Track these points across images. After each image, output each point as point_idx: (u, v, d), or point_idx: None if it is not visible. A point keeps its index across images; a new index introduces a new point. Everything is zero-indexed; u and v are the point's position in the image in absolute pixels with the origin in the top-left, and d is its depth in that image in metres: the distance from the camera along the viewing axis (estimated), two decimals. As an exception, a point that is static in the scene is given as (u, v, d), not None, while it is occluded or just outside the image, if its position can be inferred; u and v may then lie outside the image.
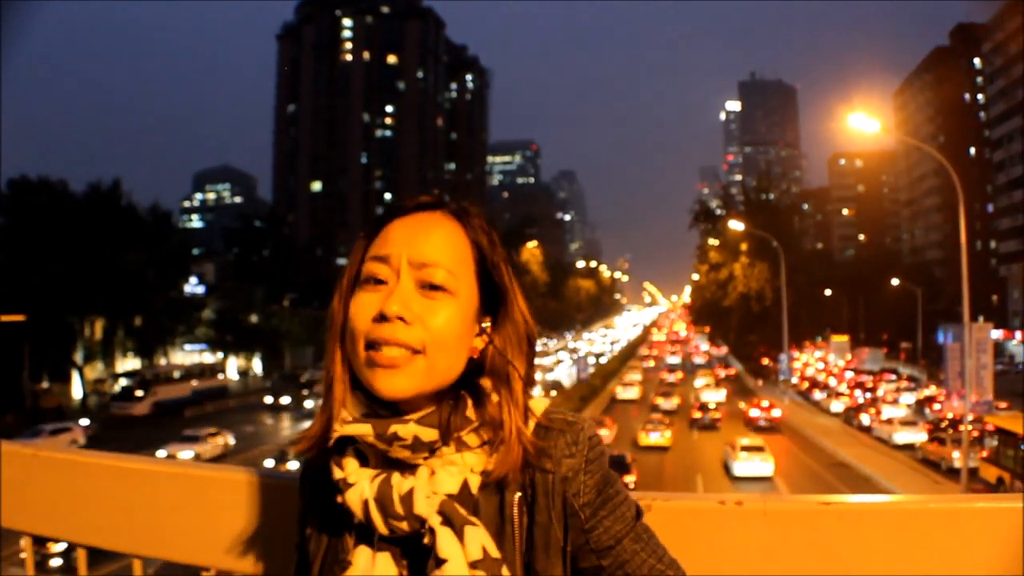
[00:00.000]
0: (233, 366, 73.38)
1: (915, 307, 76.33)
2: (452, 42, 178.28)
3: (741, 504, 1.54)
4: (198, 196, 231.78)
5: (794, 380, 68.52)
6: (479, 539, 1.19)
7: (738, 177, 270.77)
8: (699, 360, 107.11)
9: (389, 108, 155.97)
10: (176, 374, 56.86)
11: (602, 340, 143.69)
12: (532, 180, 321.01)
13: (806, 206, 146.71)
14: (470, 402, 1.25)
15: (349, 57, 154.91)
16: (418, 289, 1.23)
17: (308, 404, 54.36)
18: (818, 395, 62.76)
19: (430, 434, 1.21)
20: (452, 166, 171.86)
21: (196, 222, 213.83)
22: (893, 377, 69.68)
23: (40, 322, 47.14)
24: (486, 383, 1.27)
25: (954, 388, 31.45)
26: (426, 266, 1.23)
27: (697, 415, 50.32)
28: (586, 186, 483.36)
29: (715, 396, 60.64)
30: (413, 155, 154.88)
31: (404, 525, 1.19)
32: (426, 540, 1.19)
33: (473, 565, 1.17)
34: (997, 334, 35.01)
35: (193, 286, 68.98)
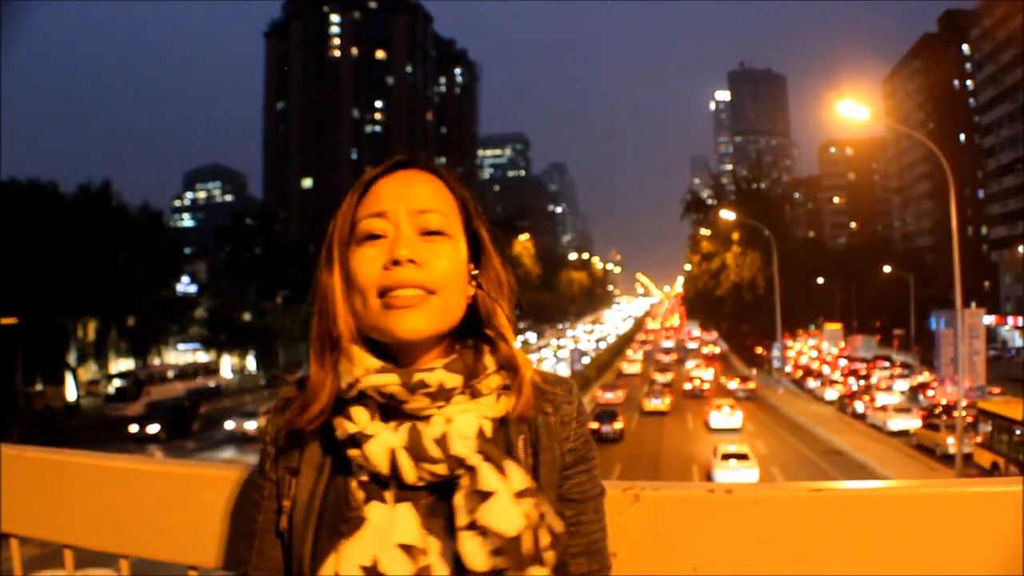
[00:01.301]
0: (227, 365, 73.23)
1: (907, 294, 76.50)
2: (440, 36, 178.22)
3: (731, 492, 1.52)
4: (189, 195, 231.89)
5: (788, 368, 68.70)
6: (519, 472, 1.23)
7: (729, 167, 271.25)
8: (691, 345, 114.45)
9: (378, 103, 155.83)
10: (170, 374, 56.73)
11: (587, 337, 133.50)
12: (523, 173, 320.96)
13: (797, 195, 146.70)
14: (487, 348, 1.31)
15: (337, 53, 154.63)
16: (419, 235, 1.28)
17: None
18: (812, 383, 62.90)
19: (455, 380, 1.25)
20: (442, 160, 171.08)
21: (187, 221, 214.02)
22: (886, 364, 69.80)
23: (32, 324, 46.93)
24: (490, 331, 1.33)
25: (947, 374, 31.52)
26: (424, 212, 1.29)
27: (688, 387, 61.04)
28: (577, 178, 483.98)
29: (704, 375, 67.35)
30: (403, 149, 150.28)
31: (441, 468, 1.21)
32: (463, 481, 1.21)
33: (519, 495, 1.20)
34: (989, 320, 35.11)
35: (185, 285, 68.81)
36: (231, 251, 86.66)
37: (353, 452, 1.24)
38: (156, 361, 62.25)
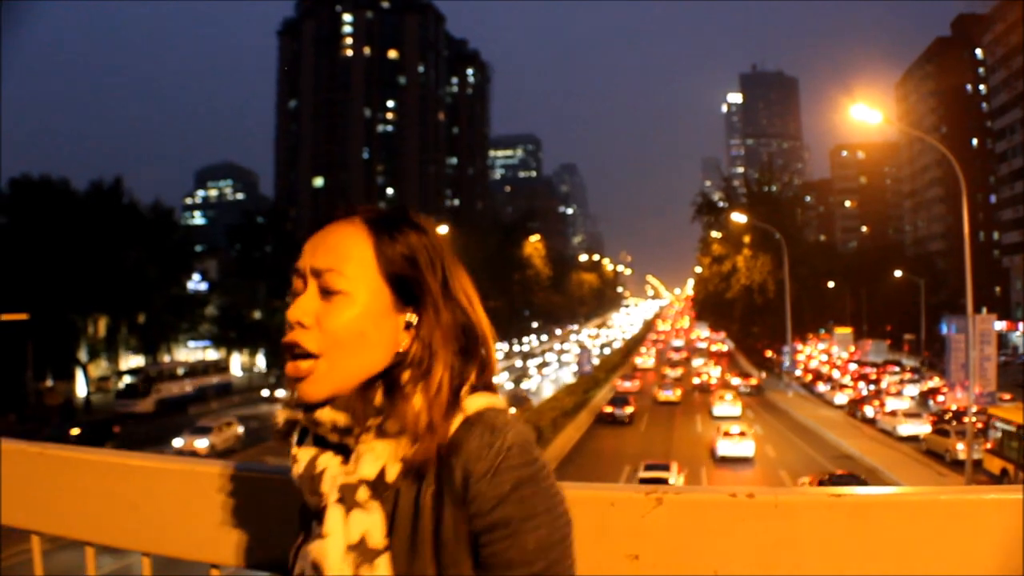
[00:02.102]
0: (237, 362, 73.42)
1: (918, 299, 76.44)
2: (453, 36, 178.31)
3: (752, 496, 1.51)
4: (200, 193, 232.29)
5: (798, 372, 68.63)
6: (364, 525, 1.22)
7: (740, 169, 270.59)
8: (700, 344, 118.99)
9: (390, 103, 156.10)
10: (179, 371, 56.89)
11: (592, 343, 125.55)
12: (534, 174, 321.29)
13: (808, 198, 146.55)
14: (380, 391, 1.28)
15: (350, 52, 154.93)
16: (320, 296, 1.27)
17: None
18: (822, 387, 62.80)
19: (341, 418, 1.26)
20: (453, 160, 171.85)
21: (198, 219, 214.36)
22: (896, 369, 69.66)
23: (43, 320, 47.11)
24: (403, 374, 1.28)
25: (957, 380, 31.40)
26: (321, 273, 1.28)
27: (696, 380, 67.79)
28: (588, 179, 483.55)
29: (712, 371, 73.48)
30: (414, 149, 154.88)
31: (315, 501, 1.26)
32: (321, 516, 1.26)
33: (349, 548, 1.21)
34: (1000, 325, 34.99)
35: (196, 283, 69.01)
36: (242, 249, 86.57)
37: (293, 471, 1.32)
38: (166, 358, 62.46)
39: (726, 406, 48.84)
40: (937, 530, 1.46)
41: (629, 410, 47.37)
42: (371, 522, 1.23)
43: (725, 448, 36.58)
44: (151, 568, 1.95)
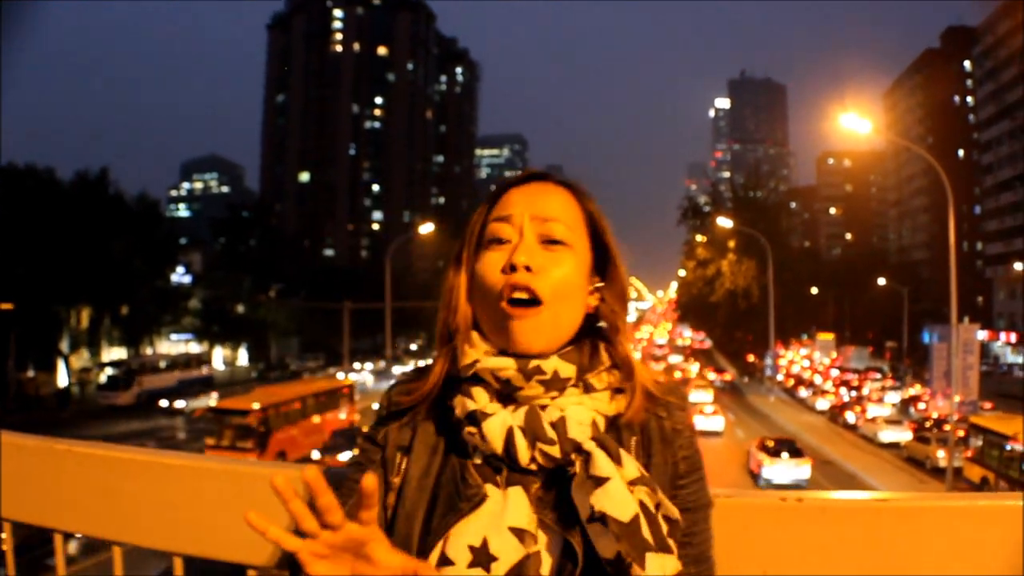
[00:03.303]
0: (219, 356, 73.22)
1: (901, 306, 76.64)
2: (443, 35, 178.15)
3: (801, 501, 1.56)
4: (185, 185, 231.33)
5: (780, 377, 68.80)
6: (633, 460, 1.24)
7: (726, 174, 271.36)
8: (681, 343, 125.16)
9: (378, 100, 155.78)
10: (162, 364, 56.69)
11: None
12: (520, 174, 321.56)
13: (794, 204, 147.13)
14: (603, 344, 1.35)
15: (339, 48, 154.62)
16: (540, 243, 1.32)
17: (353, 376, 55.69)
18: (803, 392, 62.90)
19: (568, 369, 1.27)
20: (440, 158, 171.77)
21: (183, 211, 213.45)
22: (878, 376, 69.92)
23: (26, 311, 46.94)
24: (610, 334, 1.37)
25: (939, 388, 31.70)
26: (547, 220, 1.33)
27: (677, 375, 67.82)
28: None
29: (691, 367, 77.26)
30: (402, 147, 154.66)
31: (555, 450, 1.23)
32: (577, 466, 1.23)
33: (632, 483, 1.21)
34: (982, 335, 35.24)
35: (180, 276, 68.72)
36: (226, 243, 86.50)
37: (470, 430, 1.27)
38: (148, 351, 62.22)
39: (701, 392, 53.56)
40: (980, 534, 1.51)
41: None
42: (633, 458, 1.26)
43: (699, 423, 41.52)
44: (183, 568, 1.94)
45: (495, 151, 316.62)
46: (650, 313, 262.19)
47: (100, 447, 2.05)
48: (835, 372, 72.24)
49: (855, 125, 29.44)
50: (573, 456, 1.24)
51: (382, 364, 68.04)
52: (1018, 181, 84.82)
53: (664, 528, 1.20)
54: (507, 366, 1.27)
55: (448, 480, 1.29)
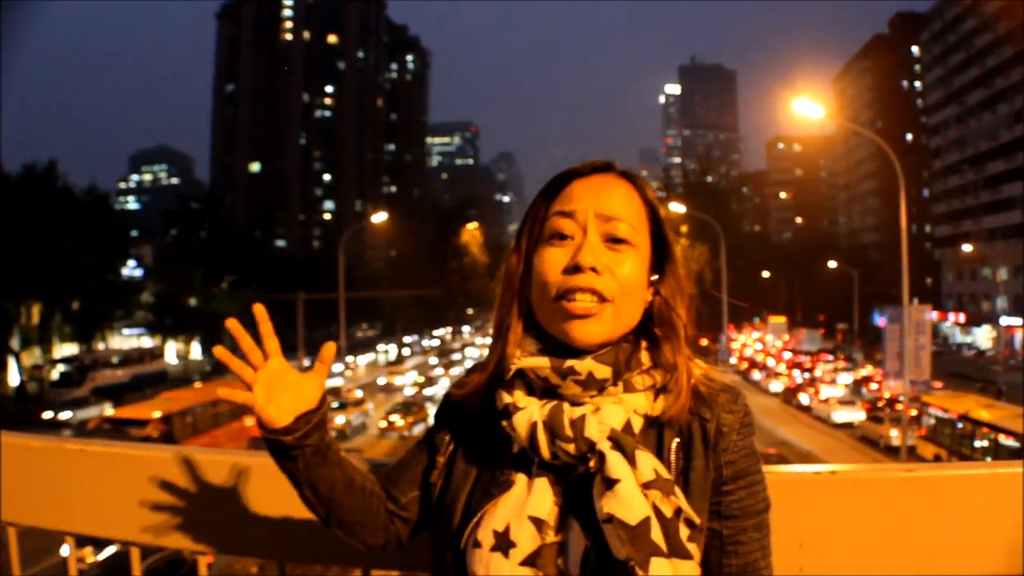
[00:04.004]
0: (172, 350, 72.49)
1: (851, 289, 77.49)
2: (393, 22, 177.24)
3: (835, 474, 1.63)
4: (135, 177, 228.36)
5: (733, 360, 69.28)
6: (650, 462, 1.24)
7: (677, 160, 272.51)
8: None
9: (329, 88, 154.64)
10: (115, 359, 56.10)
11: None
12: (471, 161, 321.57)
13: (745, 189, 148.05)
14: (644, 345, 1.36)
15: (289, 36, 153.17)
16: (603, 242, 1.33)
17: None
18: (757, 375, 63.49)
19: (604, 371, 1.29)
20: (391, 147, 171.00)
21: (133, 204, 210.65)
22: (830, 357, 70.68)
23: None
24: (658, 331, 1.37)
25: (892, 368, 31.98)
26: (612, 220, 1.33)
27: None
28: (525, 168, 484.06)
29: None
30: (352, 136, 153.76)
31: (571, 447, 1.25)
32: (592, 464, 1.26)
33: (646, 486, 1.22)
34: (932, 316, 35.76)
35: (131, 269, 67.92)
36: (177, 235, 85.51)
37: (505, 423, 1.32)
38: (101, 346, 61.40)
39: None
40: (995, 500, 1.61)
41: None
42: (654, 458, 1.26)
43: None
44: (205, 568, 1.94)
45: (446, 139, 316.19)
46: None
47: (99, 444, 2.03)
48: (788, 355, 72.91)
49: (808, 110, 29.62)
50: (589, 455, 1.26)
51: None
52: (965, 164, 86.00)
53: (684, 533, 1.21)
54: (542, 365, 1.30)
55: (487, 466, 1.36)
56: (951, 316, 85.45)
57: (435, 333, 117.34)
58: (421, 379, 61.17)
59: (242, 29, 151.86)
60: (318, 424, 1.41)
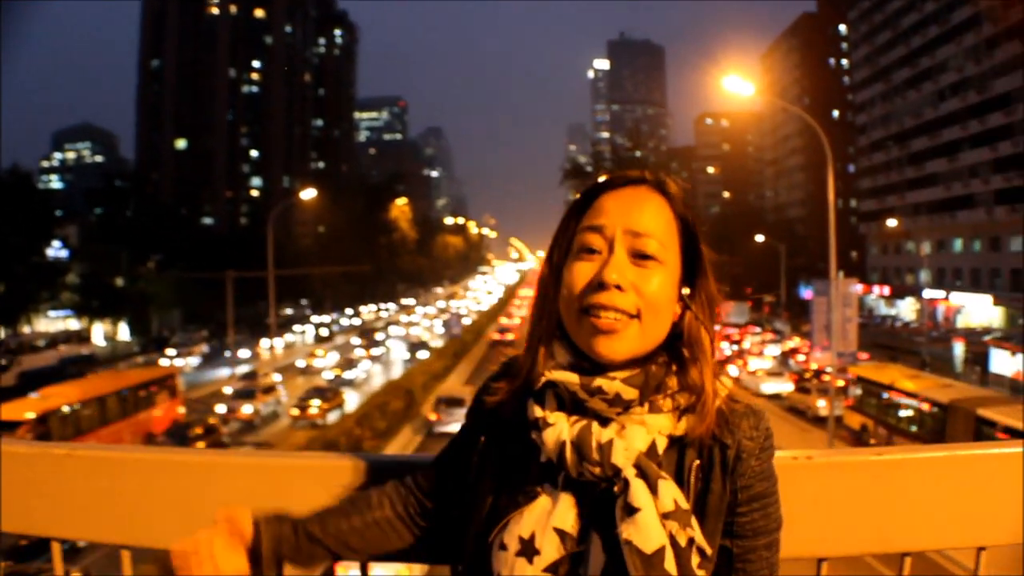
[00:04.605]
0: (99, 332, 71.37)
1: (778, 262, 78.55)
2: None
3: (811, 458, 1.72)
4: (57, 156, 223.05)
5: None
6: (671, 493, 1.27)
7: (605, 135, 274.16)
8: None
9: (256, 63, 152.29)
10: (41, 342, 55.11)
11: (430, 321, 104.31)
12: (399, 136, 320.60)
13: (673, 164, 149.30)
14: (672, 367, 1.36)
15: (215, 11, 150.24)
16: (630, 258, 1.33)
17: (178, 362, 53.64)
18: (685, 348, 64.25)
19: (631, 393, 1.30)
20: (319, 122, 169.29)
21: (56, 183, 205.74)
22: (758, 330, 71.67)
23: None
24: (686, 351, 1.36)
25: (819, 340, 32.62)
26: (640, 236, 1.33)
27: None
28: (453, 142, 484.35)
29: None
30: (280, 111, 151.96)
31: (597, 471, 1.29)
32: (616, 489, 1.28)
33: (665, 516, 1.25)
34: (857, 289, 36.42)
35: (56, 250, 66.69)
36: (102, 214, 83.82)
37: (534, 435, 1.34)
38: (26, 329, 60.31)
39: None
40: (953, 480, 1.74)
41: (510, 336, 69.85)
42: (676, 488, 1.29)
43: None
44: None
45: (374, 114, 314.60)
46: (531, 275, 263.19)
47: (97, 449, 1.99)
48: (716, 327, 73.78)
49: (737, 87, 29.97)
50: (615, 480, 1.29)
51: (205, 349, 65.81)
52: (890, 141, 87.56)
53: (695, 560, 1.25)
54: (571, 381, 1.31)
55: (515, 473, 1.38)
56: (876, 289, 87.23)
57: (364, 310, 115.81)
58: (342, 361, 58.31)
59: (168, 3, 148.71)
60: (273, 551, 1.51)
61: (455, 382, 48.50)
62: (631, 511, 1.25)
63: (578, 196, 1.45)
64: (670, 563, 1.23)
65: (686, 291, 1.38)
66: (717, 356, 1.35)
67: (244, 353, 61.45)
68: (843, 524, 1.72)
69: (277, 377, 48.86)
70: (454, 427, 16.47)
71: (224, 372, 53.43)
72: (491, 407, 1.47)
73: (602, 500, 1.31)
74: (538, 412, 1.35)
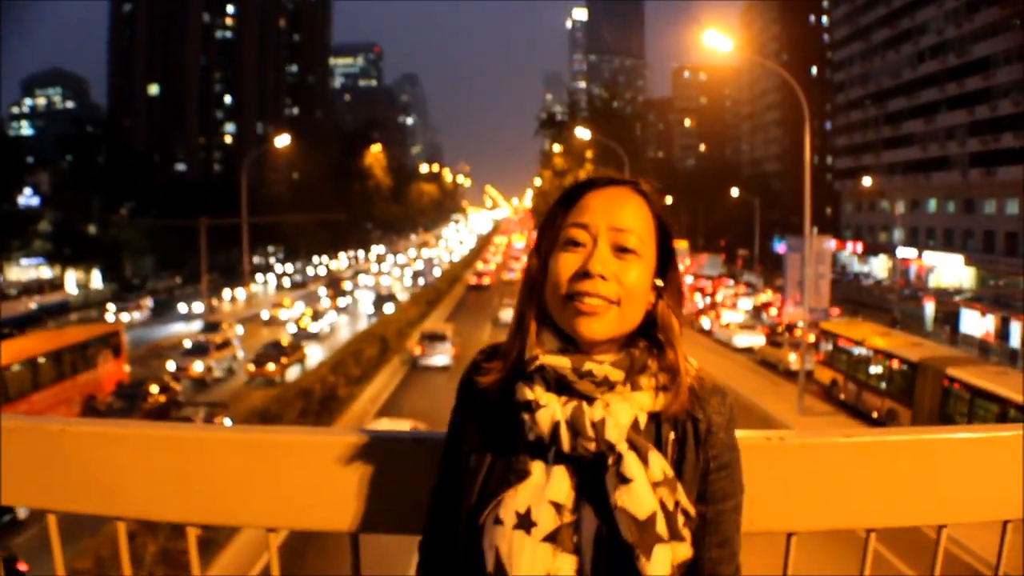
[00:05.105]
0: (72, 280, 70.88)
1: (752, 216, 78.85)
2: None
3: (783, 440, 1.81)
4: (27, 101, 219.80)
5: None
6: (660, 464, 1.42)
7: (582, 84, 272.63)
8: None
9: (230, 8, 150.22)
10: (13, 291, 54.64)
11: (400, 271, 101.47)
12: (374, 83, 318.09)
13: (650, 116, 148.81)
14: (655, 351, 1.51)
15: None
16: (612, 251, 1.47)
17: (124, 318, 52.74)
18: (657, 299, 64.45)
19: (617, 375, 1.44)
20: (294, 68, 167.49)
21: (27, 129, 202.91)
22: (731, 283, 72.08)
23: None
24: (661, 336, 1.51)
25: (792, 296, 33.01)
26: (622, 232, 1.47)
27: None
28: (429, 90, 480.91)
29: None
30: (254, 57, 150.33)
31: (592, 446, 1.41)
32: (610, 462, 1.41)
33: (655, 485, 1.39)
34: (831, 245, 36.74)
35: (27, 197, 66.08)
36: (74, 161, 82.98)
37: (526, 416, 1.45)
38: (-2, 277, 59.88)
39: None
40: (918, 461, 1.84)
41: (486, 281, 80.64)
42: (663, 460, 1.44)
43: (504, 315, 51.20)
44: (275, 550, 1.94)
45: (349, 60, 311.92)
46: (505, 223, 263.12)
47: (98, 424, 1.98)
48: (689, 279, 74.10)
49: (717, 42, 29.96)
50: (608, 453, 1.42)
51: (150, 303, 63.77)
52: (868, 100, 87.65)
53: (681, 520, 1.40)
54: (562, 365, 1.44)
55: (503, 454, 1.50)
56: (849, 246, 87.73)
57: (339, 257, 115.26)
58: (309, 311, 54.95)
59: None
60: None
61: (437, 319, 50.88)
62: (625, 481, 1.39)
63: (565, 193, 1.57)
64: (661, 526, 1.38)
65: (659, 282, 1.53)
66: (690, 310, 1.51)
67: (199, 307, 59.42)
68: (812, 501, 1.82)
69: (240, 329, 47.80)
70: (436, 360, 25.94)
71: (180, 327, 52.12)
72: (483, 387, 1.55)
73: (591, 471, 1.43)
74: (529, 394, 1.46)
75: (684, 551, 1.41)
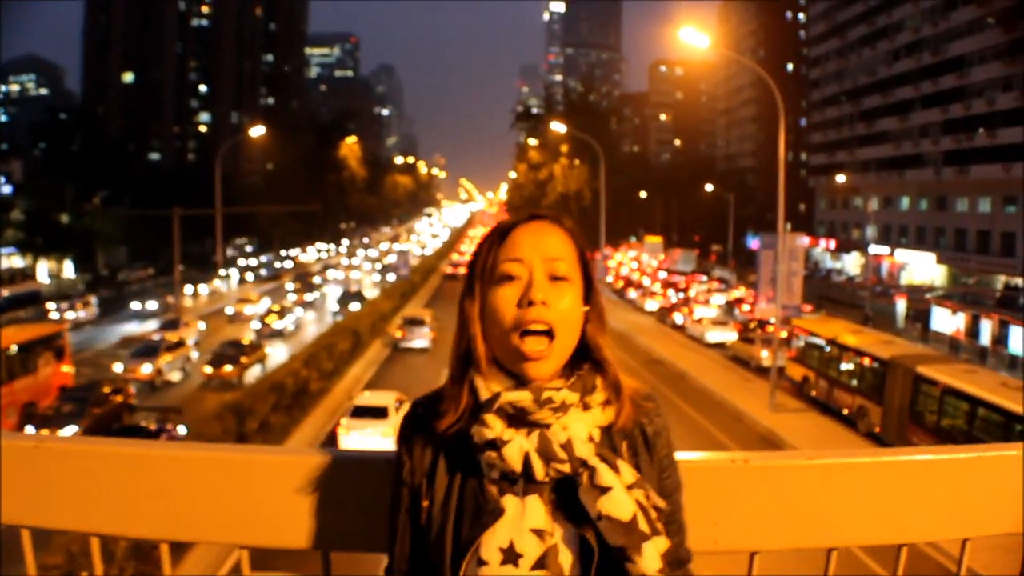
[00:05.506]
0: (44, 270, 70.28)
1: (726, 211, 79.23)
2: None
3: (747, 462, 1.84)
4: (1, 88, 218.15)
5: (610, 279, 70.23)
6: (627, 469, 1.50)
7: (558, 78, 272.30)
8: None
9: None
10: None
11: (369, 266, 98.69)
12: (350, 73, 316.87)
13: (626, 110, 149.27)
14: (598, 372, 1.58)
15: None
16: (548, 280, 1.54)
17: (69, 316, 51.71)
18: (632, 294, 64.41)
19: (573, 397, 1.51)
20: (270, 57, 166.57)
21: None
22: (704, 278, 72.22)
23: None
24: (598, 356, 1.59)
25: (764, 292, 33.10)
26: (554, 260, 1.55)
27: None
28: (405, 81, 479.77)
29: None
30: (230, 45, 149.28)
31: (566, 467, 1.47)
32: (583, 479, 1.47)
33: (629, 488, 1.47)
34: (804, 242, 36.92)
35: (-1, 186, 65.50)
36: (47, 149, 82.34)
37: (491, 455, 1.48)
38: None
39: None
40: (880, 483, 1.87)
41: (462, 270, 75.09)
42: (628, 465, 1.52)
43: None
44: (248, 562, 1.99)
45: (325, 50, 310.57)
46: (481, 215, 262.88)
47: (68, 441, 2.01)
48: (663, 274, 74.23)
49: (693, 39, 30.04)
50: (580, 469, 1.48)
51: (94, 301, 60.64)
52: (843, 97, 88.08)
53: (654, 515, 1.48)
54: (524, 398, 1.49)
55: (470, 497, 1.51)
56: (822, 242, 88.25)
57: (309, 250, 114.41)
58: (276, 307, 52.60)
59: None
60: None
61: (416, 305, 53.78)
62: (603, 490, 1.45)
63: (493, 232, 1.63)
64: (643, 524, 1.45)
65: (585, 308, 1.59)
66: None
67: (152, 305, 57.66)
68: (774, 521, 1.85)
69: (202, 326, 46.47)
70: (416, 342, 28.35)
71: (134, 326, 50.50)
72: (442, 432, 1.56)
73: (561, 492, 1.49)
74: (490, 434, 1.49)
75: (663, 543, 1.47)
